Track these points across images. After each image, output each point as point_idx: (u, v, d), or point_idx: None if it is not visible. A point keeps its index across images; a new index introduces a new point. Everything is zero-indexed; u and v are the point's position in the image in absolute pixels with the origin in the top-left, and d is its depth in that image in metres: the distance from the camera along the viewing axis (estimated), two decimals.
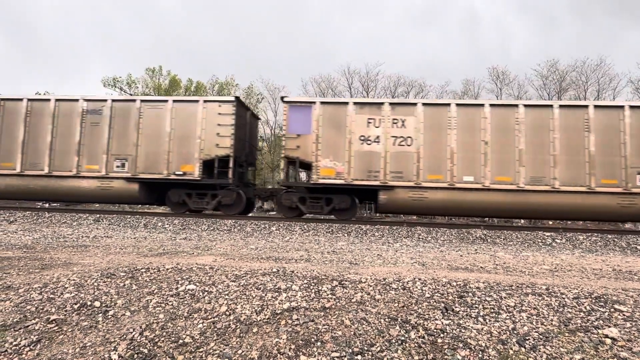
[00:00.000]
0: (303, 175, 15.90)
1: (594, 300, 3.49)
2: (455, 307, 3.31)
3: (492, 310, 3.26)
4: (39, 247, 6.28)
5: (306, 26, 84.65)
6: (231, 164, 12.12)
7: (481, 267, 5.31)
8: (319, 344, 2.76)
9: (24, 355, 2.67)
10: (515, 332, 2.91)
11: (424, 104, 11.72)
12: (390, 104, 11.74)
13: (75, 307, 3.33)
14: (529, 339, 2.80)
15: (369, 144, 11.59)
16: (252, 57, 66.13)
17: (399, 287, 3.80)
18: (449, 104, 11.65)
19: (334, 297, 3.55)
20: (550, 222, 18.72)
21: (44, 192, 12.68)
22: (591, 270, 5.35)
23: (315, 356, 2.64)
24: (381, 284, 3.88)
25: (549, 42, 59.63)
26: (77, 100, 12.70)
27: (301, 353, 2.67)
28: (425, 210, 11.95)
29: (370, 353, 2.66)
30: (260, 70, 70.35)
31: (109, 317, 3.18)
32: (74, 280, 3.94)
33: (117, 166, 12.33)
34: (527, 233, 10.00)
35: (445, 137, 11.37)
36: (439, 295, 3.60)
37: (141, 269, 4.35)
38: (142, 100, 12.59)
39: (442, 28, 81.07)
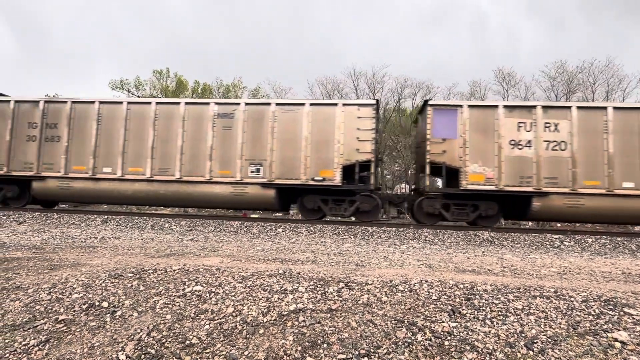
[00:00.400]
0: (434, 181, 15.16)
1: (603, 304, 3.45)
2: (463, 310, 3.30)
3: (500, 313, 3.24)
4: (47, 247, 6.34)
5: (313, 29, 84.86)
6: (372, 169, 11.69)
7: (488, 270, 5.28)
8: (325, 345, 2.76)
9: (33, 355, 2.70)
10: (523, 335, 2.88)
11: (578, 108, 11.25)
12: (543, 107, 11.33)
13: (84, 307, 3.36)
14: (537, 342, 2.78)
15: (520, 149, 11.15)
16: (258, 60, 66.40)
17: (406, 289, 3.79)
18: (605, 107, 11.20)
19: (341, 298, 3.55)
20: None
21: (175, 198, 12.26)
22: (600, 273, 5.29)
23: (321, 358, 2.63)
24: (388, 286, 3.87)
25: (558, 44, 59.34)
26: (208, 103, 12.36)
27: (307, 355, 2.67)
28: (581, 218, 11.56)
29: (376, 355, 2.65)
30: (267, 72, 70.61)
31: (117, 317, 3.20)
32: (82, 280, 3.98)
33: (252, 171, 11.85)
34: (535, 235, 9.92)
35: (601, 142, 10.98)
36: (446, 297, 3.59)
37: (148, 270, 4.37)
38: (277, 104, 12.14)
39: (449, 30, 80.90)
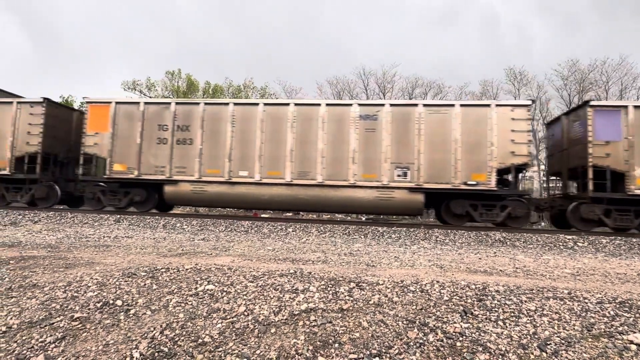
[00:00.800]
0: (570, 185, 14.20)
1: (618, 305, 3.41)
2: (475, 311, 3.28)
3: (512, 314, 3.21)
4: (62, 246, 6.44)
5: (323, 29, 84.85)
6: (527, 173, 11.50)
7: (500, 270, 5.24)
8: (336, 345, 2.77)
9: (49, 352, 2.75)
10: (536, 336, 2.86)
11: None
12: None
13: (98, 305, 3.41)
14: (550, 343, 2.75)
15: None
16: (267, 60, 66.59)
17: (417, 290, 3.78)
18: None
19: (352, 298, 3.56)
20: None
21: (315, 203, 11.83)
22: (615, 275, 5.22)
23: (332, 357, 2.64)
24: (399, 286, 3.87)
25: (572, 43, 58.48)
26: (349, 104, 12.00)
27: (319, 354, 2.67)
28: None
29: (388, 355, 2.65)
30: (276, 72, 70.77)
31: (131, 315, 3.25)
32: (96, 279, 4.04)
33: (398, 175, 11.38)
34: (547, 236, 9.80)
35: None
36: (458, 298, 3.57)
37: (161, 269, 4.42)
38: (424, 105, 11.69)
39: (460, 29, 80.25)
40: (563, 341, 2.78)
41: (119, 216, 11.49)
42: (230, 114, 12.19)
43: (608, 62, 30.15)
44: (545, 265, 5.99)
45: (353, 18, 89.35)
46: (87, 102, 13.06)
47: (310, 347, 2.74)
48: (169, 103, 12.62)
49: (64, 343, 2.86)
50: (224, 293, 3.68)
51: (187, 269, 4.42)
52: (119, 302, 3.47)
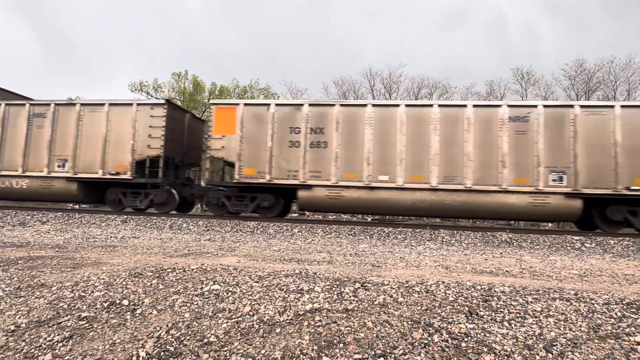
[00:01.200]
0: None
1: (625, 307, 3.38)
2: (480, 311, 3.27)
3: (518, 315, 3.20)
4: (70, 246, 6.50)
5: (329, 30, 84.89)
6: None
7: (507, 271, 5.22)
8: (341, 345, 2.77)
9: (57, 351, 2.78)
10: (542, 337, 2.85)
11: None
12: None
13: (105, 305, 3.44)
14: (556, 344, 2.74)
15: None
16: (272, 61, 66.74)
17: (422, 290, 3.77)
18: None
19: (357, 299, 3.56)
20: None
21: (462, 209, 11.24)
22: (623, 276, 5.17)
23: (337, 357, 2.65)
24: (404, 287, 3.86)
25: (580, 43, 57.93)
26: (498, 105, 11.36)
27: (324, 354, 2.68)
28: None
29: (393, 356, 2.65)
30: (281, 73, 70.93)
31: (137, 315, 3.27)
32: (103, 279, 4.07)
33: (554, 180, 10.83)
34: (554, 237, 9.74)
35: None
36: (463, 298, 3.56)
37: (167, 269, 4.45)
38: (581, 106, 11.07)
39: (468, 29, 79.92)
40: (569, 342, 2.77)
41: (125, 217, 11.57)
42: (368, 115, 11.61)
43: (616, 62, 29.93)
44: (552, 266, 5.95)
45: (360, 19, 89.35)
46: (213, 104, 12.72)
47: (315, 347, 2.75)
48: (301, 104, 12.12)
49: (72, 342, 2.89)
50: (230, 293, 3.70)
51: (193, 269, 4.44)
52: (125, 302, 3.50)
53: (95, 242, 7.18)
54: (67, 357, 2.70)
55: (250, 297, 3.59)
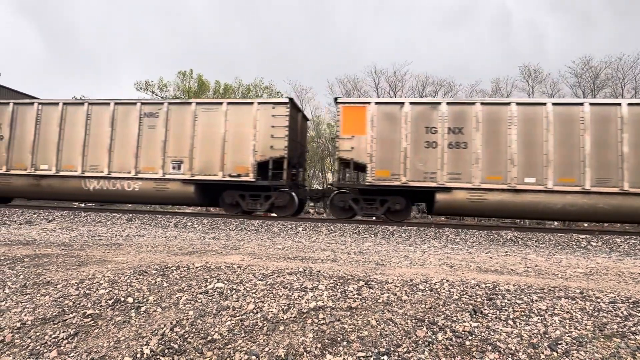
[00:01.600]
0: None
1: (631, 305, 3.36)
2: (484, 310, 3.25)
3: (523, 313, 3.18)
4: (75, 245, 6.54)
5: (334, 28, 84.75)
6: None
7: (511, 270, 5.19)
8: (345, 343, 2.77)
9: (62, 348, 2.80)
10: (546, 336, 2.83)
11: None
12: None
13: (110, 302, 3.46)
14: (561, 343, 2.72)
15: None
16: (277, 60, 66.73)
17: (426, 288, 3.76)
18: None
19: (360, 297, 3.55)
20: (586, 225, 18.01)
21: (618, 212, 10.68)
22: (629, 275, 5.13)
23: (341, 355, 2.64)
24: (408, 285, 3.85)
25: (587, 41, 57.37)
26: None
27: (327, 352, 2.68)
28: None
29: (396, 354, 2.64)
30: (285, 72, 70.96)
31: (141, 312, 3.29)
32: (108, 277, 4.10)
33: None
34: (560, 235, 9.68)
35: None
36: (468, 297, 3.55)
37: (172, 267, 4.47)
38: None
39: (473, 28, 79.43)
40: (574, 341, 2.75)
41: (131, 215, 11.62)
42: (512, 114, 11.03)
43: (624, 59, 29.63)
44: (557, 264, 5.92)
45: (364, 17, 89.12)
46: (340, 103, 12.09)
47: (319, 345, 2.75)
48: (438, 103, 11.50)
49: (77, 339, 2.91)
50: (234, 291, 3.70)
51: (197, 267, 4.45)
52: (130, 300, 3.52)
53: (101, 240, 7.22)
54: (72, 354, 2.72)
55: (254, 295, 3.60)
